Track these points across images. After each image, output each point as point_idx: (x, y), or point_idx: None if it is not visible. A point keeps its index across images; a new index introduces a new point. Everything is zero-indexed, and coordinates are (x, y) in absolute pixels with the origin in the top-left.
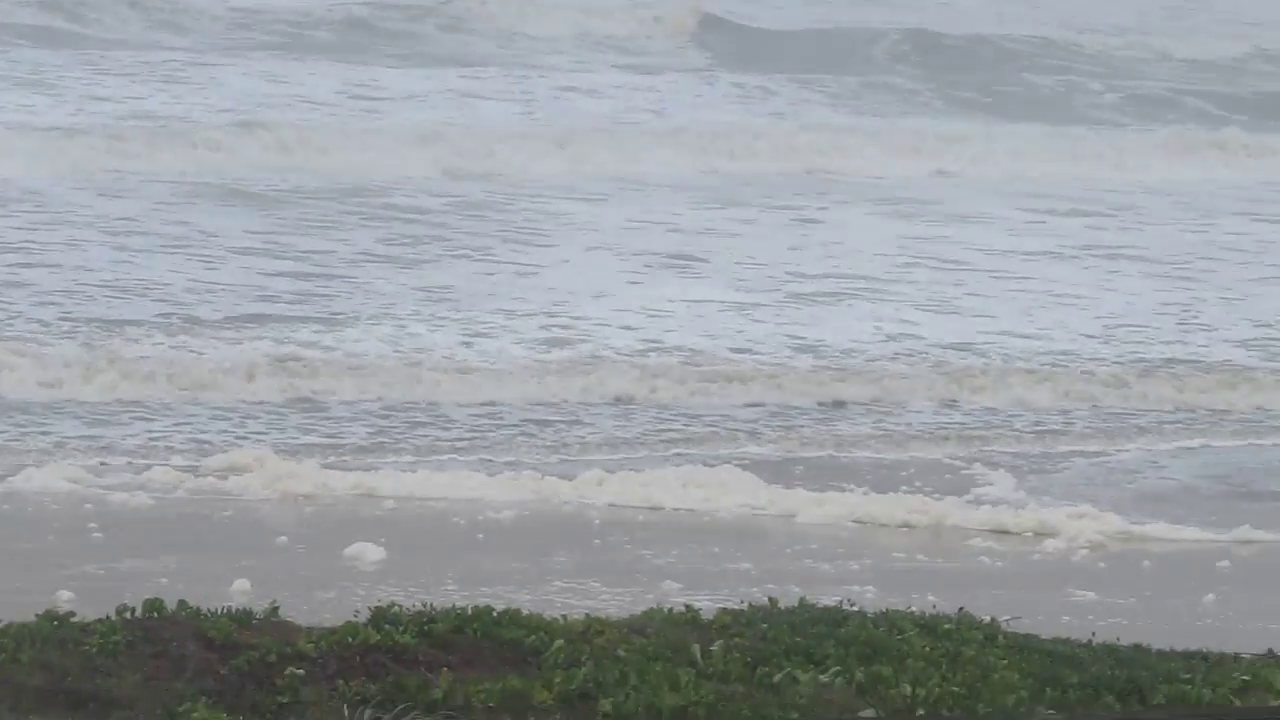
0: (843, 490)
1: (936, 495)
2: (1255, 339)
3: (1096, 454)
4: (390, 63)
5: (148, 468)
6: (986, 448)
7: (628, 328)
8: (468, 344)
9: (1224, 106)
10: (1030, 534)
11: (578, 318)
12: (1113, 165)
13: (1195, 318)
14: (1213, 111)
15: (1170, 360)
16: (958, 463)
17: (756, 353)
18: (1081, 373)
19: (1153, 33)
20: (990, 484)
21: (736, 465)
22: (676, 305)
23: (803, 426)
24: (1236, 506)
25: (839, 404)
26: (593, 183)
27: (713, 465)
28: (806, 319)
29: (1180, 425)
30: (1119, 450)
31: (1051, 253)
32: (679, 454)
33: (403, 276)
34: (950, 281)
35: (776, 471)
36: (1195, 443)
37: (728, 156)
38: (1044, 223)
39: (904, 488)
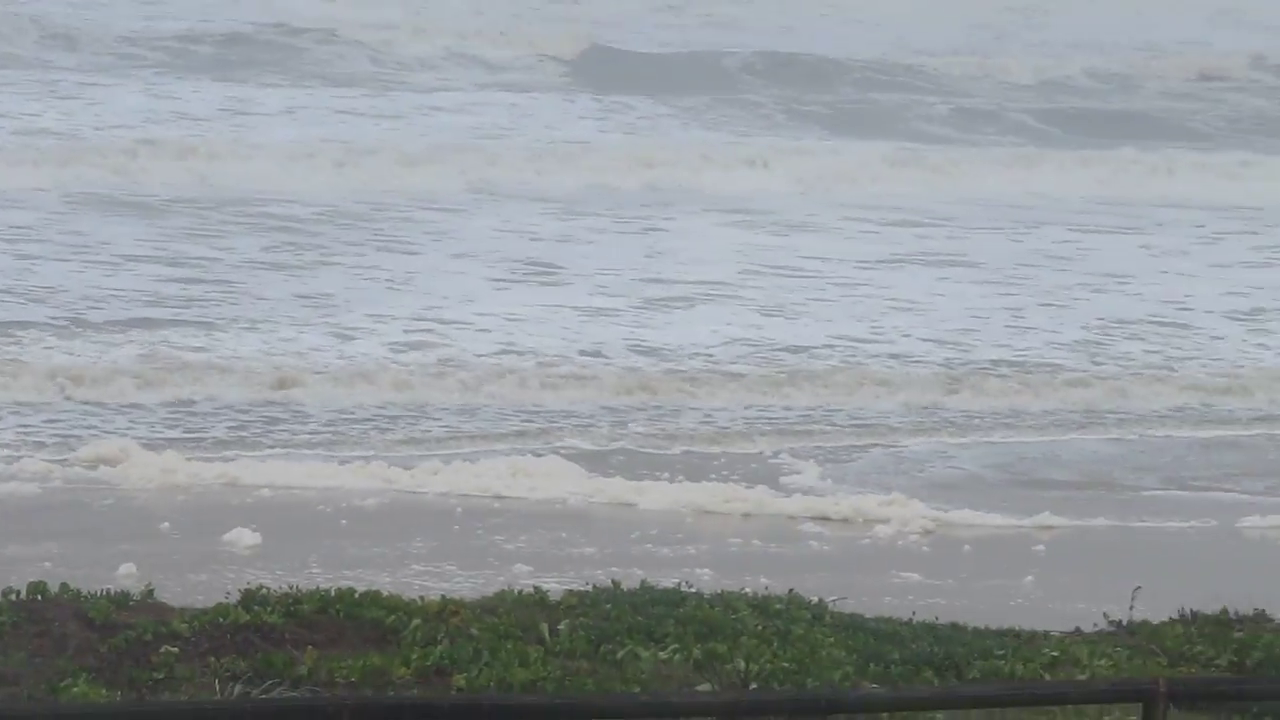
0: (657, 479)
1: (747, 484)
2: (1075, 341)
3: (896, 446)
4: (273, 80)
5: (18, 459)
6: (798, 442)
7: (485, 331)
8: (333, 346)
9: (1049, 122)
10: (856, 520)
11: (440, 322)
12: (945, 178)
13: (1020, 321)
14: (1037, 127)
15: (996, 361)
16: (766, 453)
17: (604, 355)
18: (906, 373)
19: (988, 54)
20: (798, 473)
21: (562, 456)
22: (533, 310)
23: (632, 422)
24: (1020, 494)
25: (668, 402)
26: (461, 195)
27: (541, 455)
28: (655, 323)
29: (984, 419)
30: (919, 443)
31: (886, 260)
32: (514, 447)
33: (279, 282)
34: (792, 288)
35: (601, 462)
36: (992, 437)
37: (589, 170)
38: (878, 233)
39: (713, 476)
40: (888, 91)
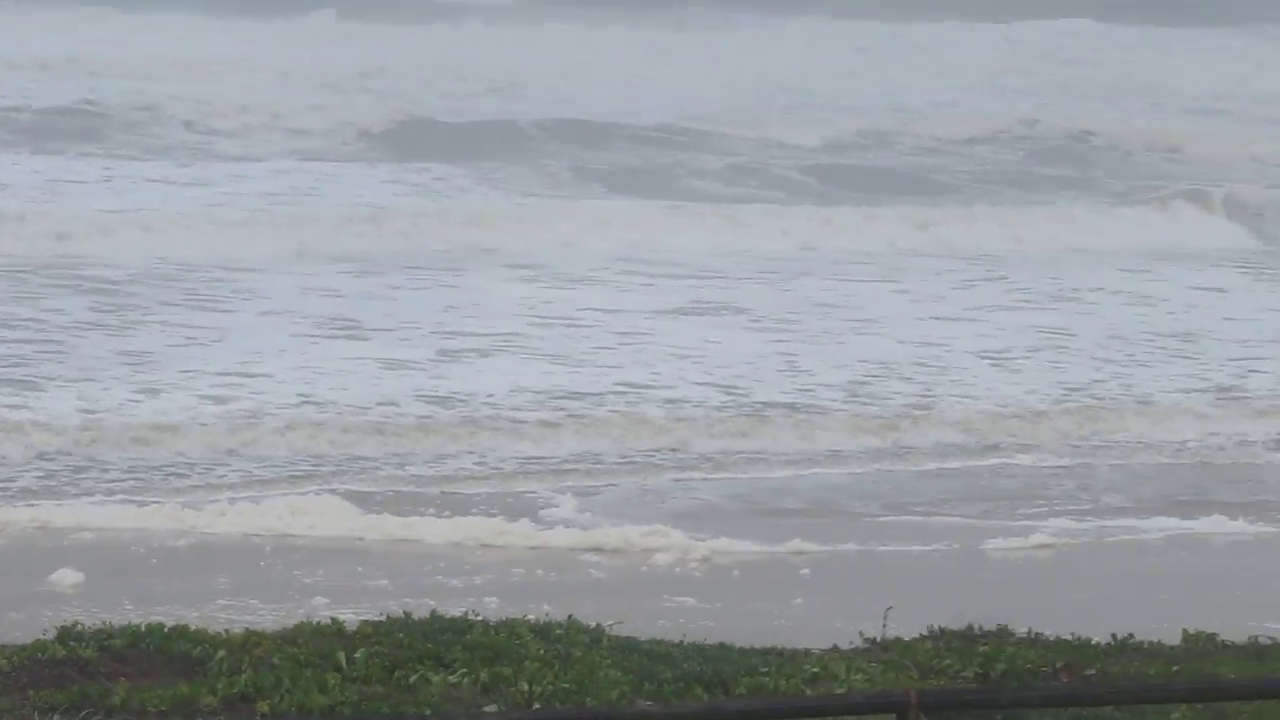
0: (422, 515)
1: (508, 518)
2: (841, 382)
3: (650, 482)
4: (89, 151)
5: None
6: (564, 481)
7: (286, 384)
8: (141, 400)
9: (815, 179)
10: (629, 550)
11: (247, 375)
12: (718, 232)
13: (791, 365)
14: (803, 182)
15: (767, 404)
16: (529, 491)
17: (397, 405)
18: (677, 416)
19: (760, 119)
20: (556, 507)
21: (340, 496)
22: (335, 363)
23: (410, 465)
24: (765, 522)
25: (448, 447)
26: (269, 256)
27: (319, 495)
28: (448, 373)
29: (739, 456)
30: (669, 478)
31: (664, 311)
32: (297, 490)
33: (97, 341)
34: (576, 338)
35: (374, 501)
36: (741, 472)
37: (390, 232)
38: (656, 284)
39: (475, 511)
40: (666, 151)
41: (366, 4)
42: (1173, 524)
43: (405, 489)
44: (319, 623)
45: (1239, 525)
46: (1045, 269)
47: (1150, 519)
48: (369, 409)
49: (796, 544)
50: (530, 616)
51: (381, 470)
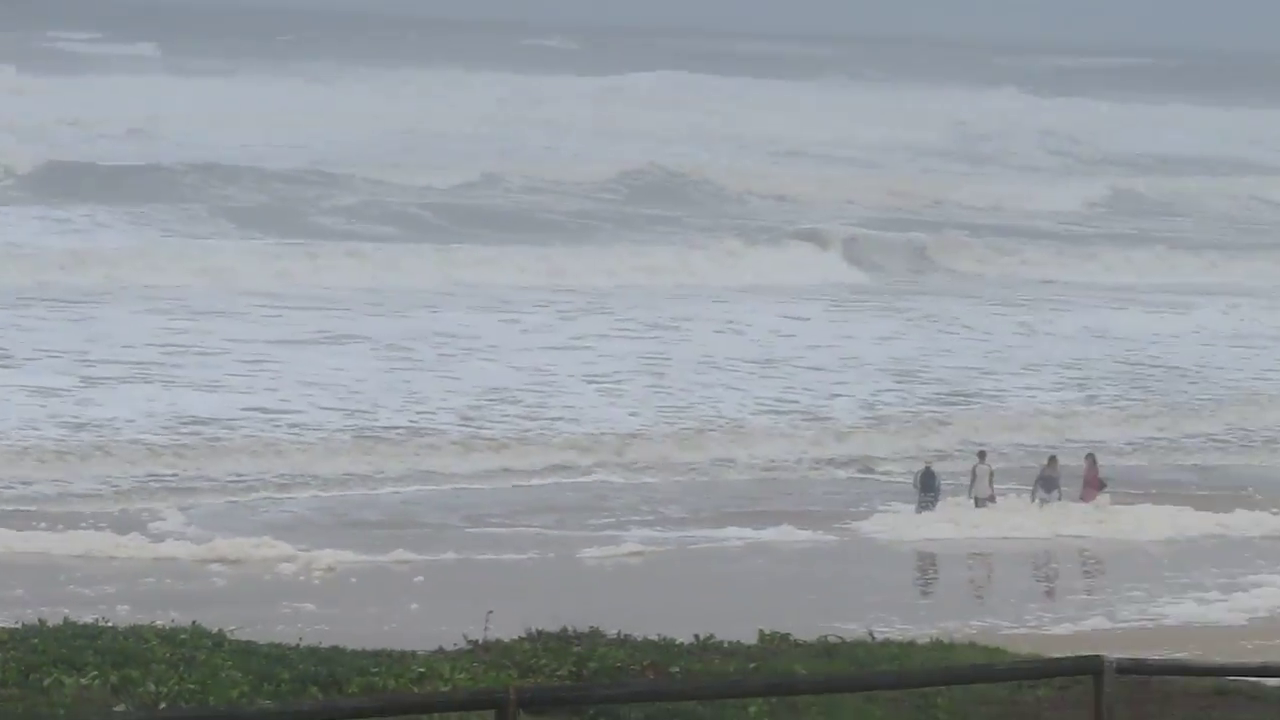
0: (37, 529)
1: (117, 531)
2: (451, 407)
3: (246, 497)
4: None
5: None
6: (181, 500)
7: None
8: None
9: (432, 215)
10: (247, 560)
11: None
12: (345, 269)
13: (411, 390)
14: (420, 218)
15: (388, 427)
16: (136, 505)
17: (38, 429)
18: (298, 440)
19: (388, 165)
20: (163, 520)
21: None
22: None
23: (34, 484)
24: (359, 534)
25: (77, 470)
26: None
27: None
28: (88, 399)
29: (341, 475)
30: (262, 496)
31: (290, 341)
32: None
33: None
34: (210, 365)
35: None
36: (345, 491)
37: (35, 268)
38: (282, 316)
39: (85, 525)
40: (298, 191)
41: (22, 56)
42: (749, 534)
43: (24, 506)
44: None
45: (808, 534)
46: (647, 301)
47: (729, 529)
48: (7, 433)
49: (400, 554)
50: (158, 623)
51: (10, 490)
